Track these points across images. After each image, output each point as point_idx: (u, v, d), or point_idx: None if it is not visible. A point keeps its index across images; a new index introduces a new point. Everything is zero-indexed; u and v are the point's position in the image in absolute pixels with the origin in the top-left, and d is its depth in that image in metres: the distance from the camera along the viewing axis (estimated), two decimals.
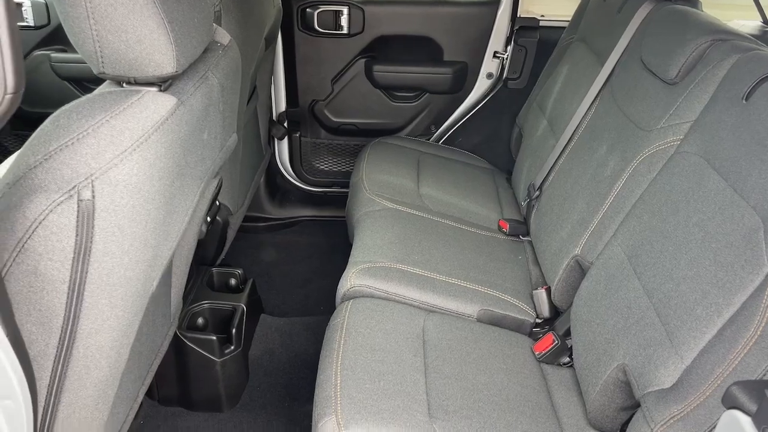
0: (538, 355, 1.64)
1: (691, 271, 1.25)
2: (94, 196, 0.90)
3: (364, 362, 1.44)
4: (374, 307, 1.64)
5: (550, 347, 1.63)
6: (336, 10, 2.63)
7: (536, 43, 2.66)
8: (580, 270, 1.71)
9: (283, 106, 2.82)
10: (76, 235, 0.91)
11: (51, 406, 1.05)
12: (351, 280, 1.72)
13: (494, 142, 2.76)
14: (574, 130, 2.00)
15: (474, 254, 1.97)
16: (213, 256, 2.21)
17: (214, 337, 1.91)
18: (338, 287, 1.74)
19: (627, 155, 1.65)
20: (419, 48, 2.72)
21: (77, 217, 0.90)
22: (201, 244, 2.15)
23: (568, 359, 1.63)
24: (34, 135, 0.93)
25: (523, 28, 2.66)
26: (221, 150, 1.28)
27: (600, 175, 1.74)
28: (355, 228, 2.07)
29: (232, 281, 2.22)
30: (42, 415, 1.05)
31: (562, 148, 2.03)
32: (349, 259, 1.84)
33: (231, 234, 2.23)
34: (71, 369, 1.02)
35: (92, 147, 0.91)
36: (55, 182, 0.89)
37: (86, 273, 0.94)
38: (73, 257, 0.92)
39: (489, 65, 2.74)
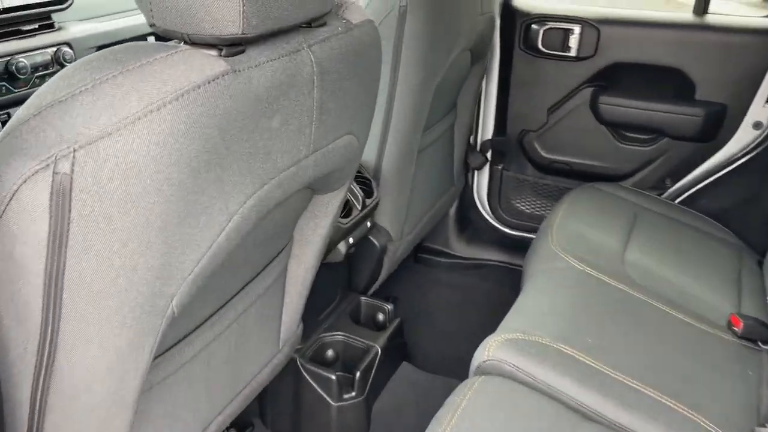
0: None
1: None
2: (73, 171, 0.68)
3: None
4: (509, 393, 1.23)
5: None
6: (566, 29, 2.24)
7: None
8: None
9: (489, 134, 2.49)
10: (50, 217, 0.70)
11: (36, 422, 0.86)
12: (490, 350, 1.33)
13: (750, 211, 2.10)
14: None
15: (678, 354, 1.43)
16: (365, 283, 1.96)
17: (335, 377, 1.65)
18: (474, 355, 1.36)
19: None
20: (663, 81, 2.19)
21: (50, 194, 0.69)
22: (349, 267, 1.93)
23: None
24: (42, 86, 0.75)
25: None
26: (315, 152, 0.99)
27: None
28: (524, 284, 1.66)
29: (380, 317, 1.95)
30: (28, 427, 0.87)
31: None
32: (501, 323, 1.45)
33: (390, 263, 1.96)
34: (55, 385, 0.82)
35: (86, 107, 0.69)
36: (36, 145, 0.69)
37: (62, 271, 0.72)
38: (47, 245, 0.71)
39: (758, 112, 2.10)
